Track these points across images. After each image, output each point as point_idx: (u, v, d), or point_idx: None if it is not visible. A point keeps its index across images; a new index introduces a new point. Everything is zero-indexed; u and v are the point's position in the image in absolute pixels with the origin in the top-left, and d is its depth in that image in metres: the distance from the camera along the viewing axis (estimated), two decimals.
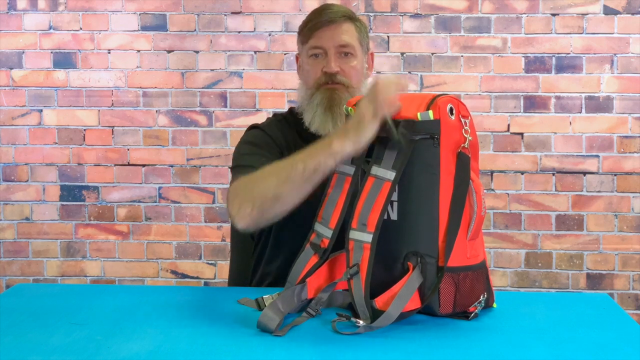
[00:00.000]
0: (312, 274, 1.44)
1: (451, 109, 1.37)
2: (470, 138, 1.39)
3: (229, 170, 1.82)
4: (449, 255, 1.35)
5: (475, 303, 1.40)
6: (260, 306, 1.45)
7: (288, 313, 1.37)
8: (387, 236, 1.36)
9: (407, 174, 1.37)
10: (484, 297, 1.41)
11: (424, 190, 1.37)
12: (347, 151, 1.40)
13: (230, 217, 1.59)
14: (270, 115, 1.93)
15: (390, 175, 1.37)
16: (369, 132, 1.37)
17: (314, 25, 1.78)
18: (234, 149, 1.84)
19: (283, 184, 1.46)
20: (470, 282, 1.39)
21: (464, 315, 1.40)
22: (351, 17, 1.80)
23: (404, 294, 1.32)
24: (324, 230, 1.45)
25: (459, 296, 1.37)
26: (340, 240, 1.44)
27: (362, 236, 1.36)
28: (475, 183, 1.41)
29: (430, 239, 1.36)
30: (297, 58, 1.89)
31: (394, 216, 1.38)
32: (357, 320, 1.32)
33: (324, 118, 1.76)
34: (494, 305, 1.47)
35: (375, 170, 1.39)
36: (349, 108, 1.52)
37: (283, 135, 1.80)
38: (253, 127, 1.85)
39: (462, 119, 1.38)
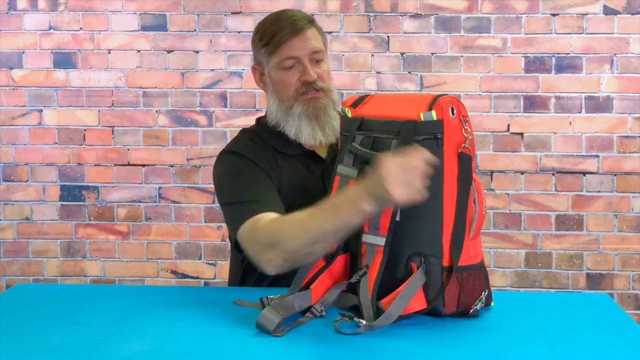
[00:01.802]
0: (317, 277, 1.44)
1: (452, 109, 1.37)
2: (470, 137, 1.39)
3: (223, 205, 1.74)
4: (459, 255, 1.36)
5: (477, 301, 1.40)
6: (264, 305, 1.45)
7: (288, 316, 1.37)
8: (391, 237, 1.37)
9: None
10: (484, 294, 1.41)
11: (428, 190, 1.37)
12: (376, 212, 1.36)
13: (255, 262, 1.56)
14: (242, 131, 1.87)
15: None
16: (397, 202, 1.32)
17: (283, 36, 1.72)
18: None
19: (315, 243, 1.43)
20: (473, 281, 1.39)
21: (465, 312, 1.40)
22: (312, 21, 1.77)
23: (406, 294, 1.33)
24: None
25: (462, 296, 1.38)
26: (345, 243, 1.44)
27: (375, 239, 1.37)
28: (476, 182, 1.41)
29: (434, 240, 1.36)
30: (253, 70, 1.83)
31: (397, 217, 1.38)
32: (360, 320, 1.32)
33: (312, 129, 1.73)
34: (492, 303, 1.48)
35: None
36: (346, 109, 1.52)
37: (263, 155, 1.75)
38: (229, 152, 1.77)
39: (462, 119, 1.38)
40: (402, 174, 1.30)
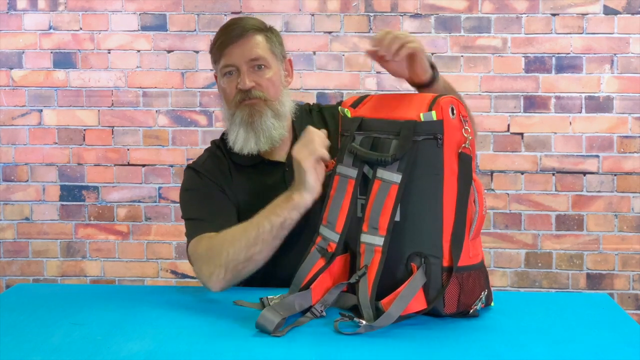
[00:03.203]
0: (317, 277, 1.44)
1: (452, 109, 1.37)
2: (470, 137, 1.39)
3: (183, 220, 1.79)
4: (458, 255, 1.36)
5: (477, 301, 1.40)
6: (264, 305, 1.45)
7: (288, 317, 1.37)
8: (390, 237, 1.37)
9: (410, 175, 1.37)
10: (484, 294, 1.41)
11: (428, 191, 1.37)
12: (307, 200, 1.54)
13: (201, 281, 1.62)
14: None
15: (397, 178, 1.37)
16: (310, 176, 1.52)
17: (222, 42, 1.74)
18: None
19: (253, 246, 1.54)
20: (473, 282, 1.39)
21: (465, 312, 1.40)
22: (260, 29, 1.76)
23: (406, 295, 1.33)
24: (330, 234, 1.45)
25: (462, 296, 1.38)
26: (345, 243, 1.44)
27: (374, 239, 1.37)
28: (476, 182, 1.41)
29: (435, 240, 1.36)
30: (215, 77, 1.85)
31: (396, 217, 1.38)
32: (360, 320, 1.32)
33: (246, 135, 1.74)
34: (492, 303, 1.47)
35: (381, 173, 1.39)
36: (346, 109, 1.52)
37: (219, 169, 1.79)
38: (190, 168, 1.83)
39: (462, 119, 1.38)
40: (305, 150, 1.53)
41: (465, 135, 1.38)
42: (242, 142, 1.75)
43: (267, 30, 1.78)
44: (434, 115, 1.35)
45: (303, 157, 1.53)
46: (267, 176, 1.79)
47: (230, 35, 1.73)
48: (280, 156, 1.81)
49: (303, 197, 1.53)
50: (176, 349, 1.25)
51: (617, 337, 1.32)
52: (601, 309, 1.50)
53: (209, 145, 1.90)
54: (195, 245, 1.65)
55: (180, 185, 1.84)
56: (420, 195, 1.37)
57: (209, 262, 1.58)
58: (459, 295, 1.37)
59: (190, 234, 1.69)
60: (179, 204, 1.83)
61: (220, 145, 1.85)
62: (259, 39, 1.75)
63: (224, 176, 1.78)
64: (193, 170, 1.81)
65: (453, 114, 1.37)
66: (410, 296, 1.33)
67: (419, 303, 1.34)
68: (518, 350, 1.25)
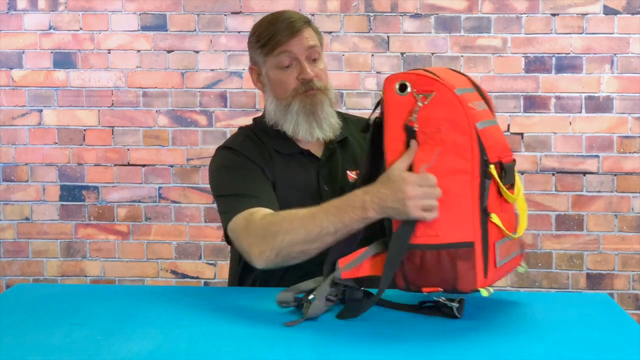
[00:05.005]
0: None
1: (402, 86, 1.38)
2: (420, 105, 1.37)
3: (216, 197, 1.80)
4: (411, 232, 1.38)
5: (437, 293, 1.38)
6: (301, 306, 1.44)
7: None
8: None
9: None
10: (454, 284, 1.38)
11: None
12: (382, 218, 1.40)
13: (245, 256, 1.60)
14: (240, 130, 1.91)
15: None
16: (409, 216, 1.35)
17: (281, 37, 1.75)
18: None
19: (312, 242, 1.47)
20: (421, 261, 1.36)
21: (438, 306, 1.41)
22: (309, 22, 1.80)
23: (364, 257, 1.40)
24: None
25: (411, 274, 1.36)
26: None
27: None
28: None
29: None
30: (251, 70, 1.85)
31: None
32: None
33: (309, 124, 1.75)
34: (486, 293, 1.43)
35: None
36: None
37: (258, 151, 1.78)
38: (225, 148, 1.82)
39: (417, 95, 1.38)
40: (422, 196, 1.35)
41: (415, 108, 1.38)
42: (305, 131, 1.75)
43: (312, 23, 1.82)
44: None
45: (417, 208, 1.34)
46: (304, 168, 1.80)
47: (288, 30, 1.75)
48: (317, 149, 1.82)
49: (380, 216, 1.40)
50: (176, 349, 1.25)
51: (617, 337, 1.32)
52: (601, 309, 1.50)
53: (237, 130, 1.89)
54: (244, 221, 1.61)
55: (210, 165, 1.85)
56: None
57: (261, 242, 1.54)
58: (405, 272, 1.36)
59: (232, 210, 1.65)
60: (209, 185, 1.85)
61: (255, 131, 1.84)
62: (311, 31, 1.79)
63: (263, 157, 1.77)
64: (229, 150, 1.80)
65: (403, 91, 1.38)
66: (364, 258, 1.39)
67: (373, 268, 1.40)
68: (518, 350, 1.25)
